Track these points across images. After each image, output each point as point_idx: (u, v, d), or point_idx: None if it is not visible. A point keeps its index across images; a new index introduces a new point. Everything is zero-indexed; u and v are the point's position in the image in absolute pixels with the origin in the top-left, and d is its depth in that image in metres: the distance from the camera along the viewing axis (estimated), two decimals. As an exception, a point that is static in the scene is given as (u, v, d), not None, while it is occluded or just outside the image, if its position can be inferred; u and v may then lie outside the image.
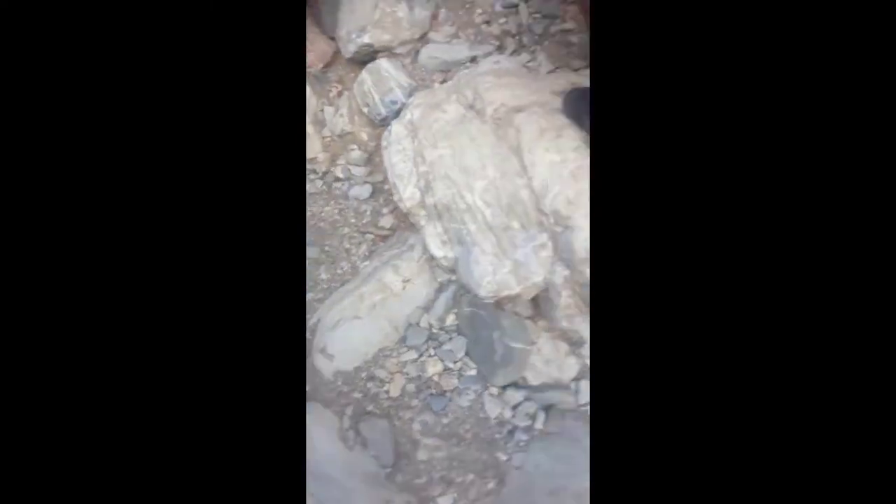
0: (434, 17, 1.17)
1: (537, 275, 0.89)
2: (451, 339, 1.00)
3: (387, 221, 1.11)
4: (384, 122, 1.10)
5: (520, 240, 0.92)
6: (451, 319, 1.02)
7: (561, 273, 0.88)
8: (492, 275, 0.92)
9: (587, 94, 0.87)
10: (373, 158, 1.15)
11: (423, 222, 1.03)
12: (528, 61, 1.07)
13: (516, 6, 1.13)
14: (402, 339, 1.00)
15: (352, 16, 1.06)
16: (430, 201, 1.00)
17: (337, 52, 1.14)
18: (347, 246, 1.09)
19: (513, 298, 0.94)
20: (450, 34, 1.16)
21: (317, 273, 1.05)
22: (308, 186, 1.11)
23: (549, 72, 1.05)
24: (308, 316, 1.02)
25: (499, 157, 0.95)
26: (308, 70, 1.11)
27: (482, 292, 0.93)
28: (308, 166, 1.12)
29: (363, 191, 1.12)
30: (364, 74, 1.08)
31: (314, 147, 1.12)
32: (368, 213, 1.12)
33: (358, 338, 1.00)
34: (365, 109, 1.10)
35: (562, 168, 0.88)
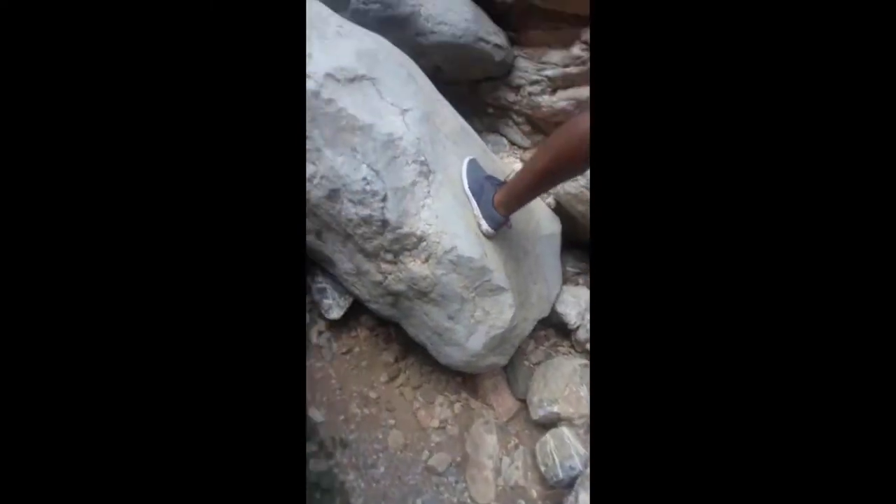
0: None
1: None
2: None
3: None
4: (558, 485, 1.17)
5: None
6: None
7: None
8: None
9: None
10: (538, 519, 1.16)
11: None
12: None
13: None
14: None
15: (544, 387, 1.32)
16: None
17: (519, 412, 1.36)
18: None
19: None
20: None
21: None
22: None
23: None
24: None
25: None
26: (494, 421, 1.31)
27: None
28: (478, 513, 1.16)
29: (528, 555, 1.09)
30: (548, 436, 1.23)
31: (489, 494, 1.19)
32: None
33: None
34: (542, 469, 1.20)
35: None
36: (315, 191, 1.12)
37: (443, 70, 1.69)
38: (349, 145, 1.06)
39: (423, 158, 1.07)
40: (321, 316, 1.43)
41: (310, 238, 1.27)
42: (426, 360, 1.38)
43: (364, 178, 1.05)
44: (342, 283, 1.37)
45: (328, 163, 1.07)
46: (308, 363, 1.38)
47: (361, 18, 1.53)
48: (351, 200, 1.07)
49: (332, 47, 1.11)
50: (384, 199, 1.05)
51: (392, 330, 1.42)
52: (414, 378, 1.37)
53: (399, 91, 1.13)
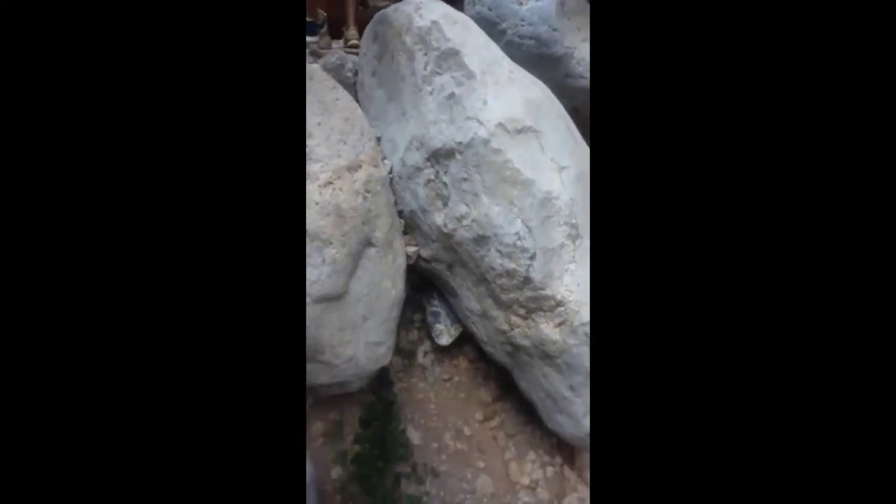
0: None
1: None
2: None
3: None
4: None
5: None
6: None
7: None
8: None
9: None
10: None
11: None
12: None
13: None
14: None
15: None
16: None
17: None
18: None
19: None
20: None
21: None
22: None
23: None
24: None
25: None
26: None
27: None
28: None
29: None
30: None
31: None
32: None
33: None
34: None
35: None
36: (462, 231, 1.14)
37: (579, 112, 1.67)
38: (508, 197, 1.07)
39: (574, 221, 1.06)
40: (430, 337, 1.47)
41: (440, 266, 1.30)
42: (522, 408, 1.37)
43: (517, 233, 1.05)
44: (457, 315, 1.39)
45: (483, 209, 1.09)
46: (411, 382, 1.43)
47: (514, 51, 1.53)
48: (499, 251, 1.08)
49: (504, 94, 1.13)
50: (532, 258, 1.05)
51: (493, 369, 1.43)
52: (509, 425, 1.37)
53: (559, 147, 1.12)
